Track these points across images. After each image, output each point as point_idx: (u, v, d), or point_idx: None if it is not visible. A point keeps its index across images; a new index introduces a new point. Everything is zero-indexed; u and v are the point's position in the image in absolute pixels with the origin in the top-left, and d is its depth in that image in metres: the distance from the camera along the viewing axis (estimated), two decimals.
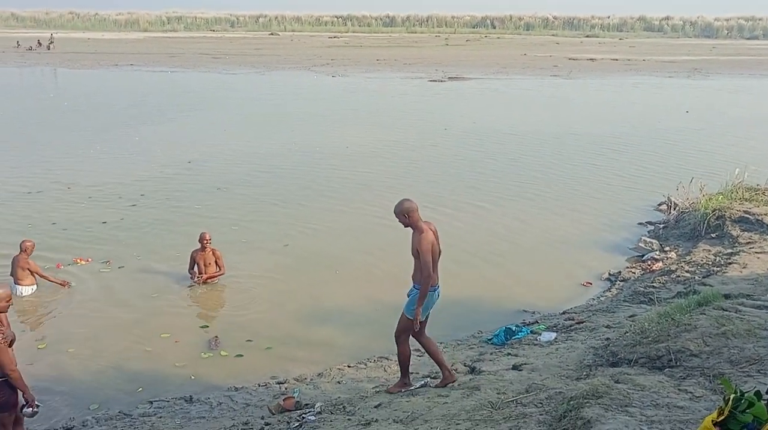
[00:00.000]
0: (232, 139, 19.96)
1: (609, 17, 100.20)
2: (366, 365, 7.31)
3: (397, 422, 4.55)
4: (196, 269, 9.56)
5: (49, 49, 54.27)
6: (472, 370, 5.98)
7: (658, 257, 10.54)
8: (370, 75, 40.40)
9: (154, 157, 17.43)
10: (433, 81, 37.45)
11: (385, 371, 7.15)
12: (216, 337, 8.03)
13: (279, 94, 31.62)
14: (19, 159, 17.06)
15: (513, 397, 4.65)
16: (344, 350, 7.86)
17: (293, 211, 12.95)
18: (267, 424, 5.38)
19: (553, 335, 7.24)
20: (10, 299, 5.22)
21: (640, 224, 12.50)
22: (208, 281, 9.54)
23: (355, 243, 11.26)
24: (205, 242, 9.50)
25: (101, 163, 16.70)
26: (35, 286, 9.18)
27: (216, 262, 9.58)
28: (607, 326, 7.19)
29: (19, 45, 56.72)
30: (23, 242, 9.25)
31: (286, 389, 6.76)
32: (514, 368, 5.66)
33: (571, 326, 7.54)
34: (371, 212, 12.78)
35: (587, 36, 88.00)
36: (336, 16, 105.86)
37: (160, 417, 6.25)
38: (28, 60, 47.13)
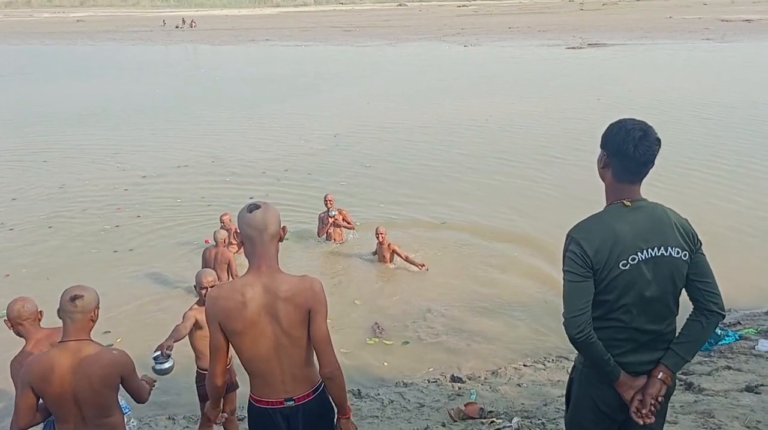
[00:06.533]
0: (374, 113, 19.61)
1: None
2: (545, 365, 6.60)
3: None
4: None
5: (191, 26, 56.88)
6: (689, 386, 5.10)
7: None
8: (504, 43, 38.82)
9: (301, 131, 17.38)
10: (572, 48, 35.37)
11: (568, 373, 6.41)
12: (376, 323, 7.64)
13: (413, 65, 30.98)
14: (175, 133, 17.64)
15: None
16: (515, 346, 7.19)
17: (443, 187, 12.36)
18: None
19: None
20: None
21: None
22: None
23: (516, 221, 10.52)
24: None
25: (249, 138, 16.90)
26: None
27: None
28: None
29: (164, 24, 59.84)
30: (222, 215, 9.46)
31: (459, 389, 6.20)
32: (749, 389, 4.73)
33: None
34: (527, 188, 11.99)
35: None
36: None
37: None
38: (174, 38, 49.50)
